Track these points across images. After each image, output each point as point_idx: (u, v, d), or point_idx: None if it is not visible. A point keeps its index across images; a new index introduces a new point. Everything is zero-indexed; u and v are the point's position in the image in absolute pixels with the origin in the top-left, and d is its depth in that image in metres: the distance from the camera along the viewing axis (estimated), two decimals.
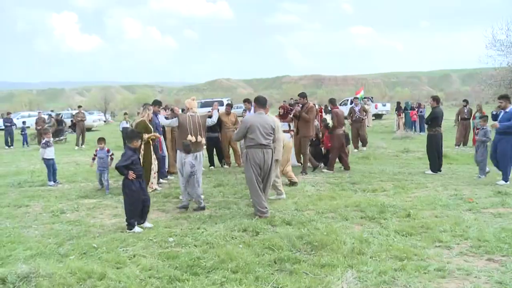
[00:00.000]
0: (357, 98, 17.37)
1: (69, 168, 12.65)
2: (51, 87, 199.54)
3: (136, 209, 6.08)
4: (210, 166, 11.88)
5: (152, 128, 8.64)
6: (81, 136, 20.28)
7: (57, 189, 9.25)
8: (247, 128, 6.58)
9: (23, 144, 21.78)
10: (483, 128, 9.69)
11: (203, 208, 7.07)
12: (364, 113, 16.02)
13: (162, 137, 9.73)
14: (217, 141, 11.79)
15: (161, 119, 8.54)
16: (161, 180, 9.56)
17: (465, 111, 16.80)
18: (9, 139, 21.59)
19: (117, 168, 6.10)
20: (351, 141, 13.00)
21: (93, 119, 32.06)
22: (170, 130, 10.17)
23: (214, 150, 12.02)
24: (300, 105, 10.41)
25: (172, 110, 10.30)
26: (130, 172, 6.01)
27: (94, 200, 8.15)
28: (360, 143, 15.39)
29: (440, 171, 10.22)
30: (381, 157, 13.53)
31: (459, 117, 16.87)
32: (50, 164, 9.81)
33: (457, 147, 16.06)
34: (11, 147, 21.27)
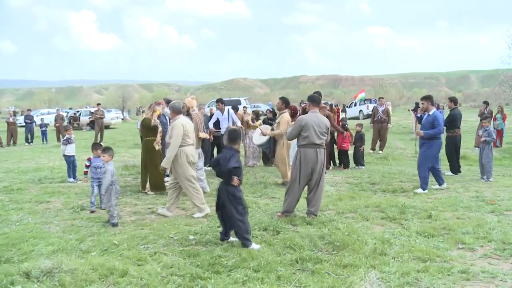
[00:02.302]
0: (383, 98, 17.12)
1: None
2: (69, 85, 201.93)
3: (247, 222, 5.30)
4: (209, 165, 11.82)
5: (158, 127, 8.57)
6: (99, 133, 20.49)
7: (76, 186, 9.32)
8: (302, 127, 6.37)
9: (43, 141, 22.06)
10: (486, 129, 9.51)
11: (114, 225, 6.21)
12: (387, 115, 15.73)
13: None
14: (219, 140, 11.70)
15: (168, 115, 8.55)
16: (165, 179, 9.39)
17: (486, 112, 16.53)
18: (29, 136, 21.90)
19: (221, 171, 5.29)
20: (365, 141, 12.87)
21: (111, 117, 32.34)
22: None
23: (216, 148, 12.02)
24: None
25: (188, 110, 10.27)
26: (235, 178, 5.26)
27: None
28: (378, 145, 15.21)
29: (460, 172, 10.08)
30: (399, 157, 13.39)
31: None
32: (70, 161, 9.90)
33: (476, 148, 15.80)
34: (31, 143, 21.57)
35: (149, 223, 6.33)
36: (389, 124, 15.32)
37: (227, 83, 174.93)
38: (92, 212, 7.09)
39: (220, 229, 5.82)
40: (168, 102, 9.44)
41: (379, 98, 18.21)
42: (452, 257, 4.69)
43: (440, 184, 8.51)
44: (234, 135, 5.42)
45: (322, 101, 11.62)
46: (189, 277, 4.21)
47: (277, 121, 9.26)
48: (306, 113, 10.69)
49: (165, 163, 6.67)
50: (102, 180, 6.61)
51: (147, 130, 8.43)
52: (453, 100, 10.43)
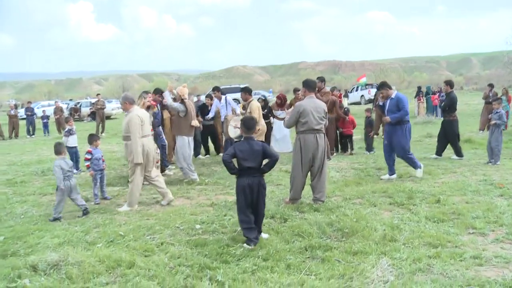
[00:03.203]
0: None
1: None
2: (69, 77, 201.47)
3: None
4: (205, 154, 11.83)
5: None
6: (100, 124, 20.41)
7: (80, 177, 9.26)
8: (300, 113, 6.30)
9: (44, 133, 22.01)
10: (497, 111, 9.36)
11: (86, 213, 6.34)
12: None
13: (160, 127, 9.51)
14: (212, 129, 11.72)
15: (169, 100, 8.56)
16: (166, 172, 9.35)
17: (490, 95, 16.39)
18: (30, 128, 21.86)
19: (273, 162, 4.93)
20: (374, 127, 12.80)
21: (111, 107, 32.24)
22: (169, 119, 9.90)
23: (209, 138, 12.01)
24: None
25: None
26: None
27: (117, 188, 8.15)
28: (381, 129, 15.12)
29: (463, 155, 9.99)
30: None
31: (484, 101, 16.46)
32: (73, 152, 9.83)
33: (481, 131, 15.70)
34: (33, 136, 21.54)
35: (154, 213, 6.27)
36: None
37: (227, 71, 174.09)
38: (97, 204, 7.03)
39: (227, 218, 5.77)
40: (158, 92, 9.35)
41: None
42: (464, 242, 4.62)
43: (390, 175, 8.19)
44: (252, 124, 5.01)
45: (327, 87, 11.52)
46: (197, 267, 4.15)
47: (248, 111, 9.32)
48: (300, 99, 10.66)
49: (136, 158, 6.49)
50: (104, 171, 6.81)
51: None
52: (449, 84, 10.29)
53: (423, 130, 15.61)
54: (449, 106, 10.01)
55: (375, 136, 14.24)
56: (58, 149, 6.39)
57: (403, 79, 68.82)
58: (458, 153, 9.97)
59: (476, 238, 4.76)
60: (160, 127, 9.41)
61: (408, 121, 8.03)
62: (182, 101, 8.40)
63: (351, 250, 4.47)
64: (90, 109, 30.24)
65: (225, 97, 10.97)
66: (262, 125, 9.55)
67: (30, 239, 5.25)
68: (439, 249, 4.42)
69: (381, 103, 9.93)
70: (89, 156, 7.27)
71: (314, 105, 6.38)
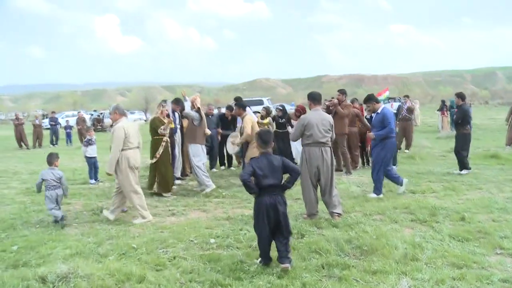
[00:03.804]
0: (407, 96, 16.74)
1: None
2: (94, 88, 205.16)
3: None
4: (221, 166, 11.65)
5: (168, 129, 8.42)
6: None
7: (98, 187, 9.24)
8: (304, 126, 6.21)
9: (67, 143, 22.27)
10: None
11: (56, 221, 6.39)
12: (411, 113, 15.31)
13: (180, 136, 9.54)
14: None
15: (186, 107, 8.75)
16: (178, 182, 9.33)
17: None
18: (54, 138, 22.15)
19: (295, 177, 4.64)
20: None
21: (133, 118, 32.60)
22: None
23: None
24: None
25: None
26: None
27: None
28: (404, 144, 14.79)
29: (470, 168, 9.74)
30: (427, 157, 12.96)
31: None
32: (91, 163, 9.84)
33: (508, 147, 15.24)
34: (56, 145, 21.81)
35: (169, 226, 6.16)
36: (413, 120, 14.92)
37: (250, 83, 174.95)
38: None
39: (243, 232, 5.61)
40: (177, 102, 9.36)
41: (404, 96, 17.83)
42: (491, 264, 4.37)
43: (400, 185, 7.86)
44: (268, 137, 4.62)
45: (348, 99, 11.31)
46: (209, 283, 4.01)
47: (242, 125, 8.92)
48: (330, 111, 10.53)
49: (108, 168, 6.45)
50: None
51: (156, 129, 8.23)
52: (461, 96, 10.01)
53: (447, 145, 15.20)
54: (461, 119, 9.74)
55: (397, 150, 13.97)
56: (49, 159, 6.71)
57: (426, 93, 67.98)
58: (463, 166, 9.73)
59: (504, 259, 4.50)
60: (180, 136, 9.42)
61: (393, 137, 7.72)
62: (198, 110, 8.61)
63: (370, 269, 4.27)
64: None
65: None
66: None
67: (43, 249, 5.20)
68: (464, 270, 4.18)
69: (368, 117, 9.73)
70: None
71: (319, 117, 6.28)
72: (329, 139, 6.32)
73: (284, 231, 4.42)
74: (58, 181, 6.54)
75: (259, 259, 4.52)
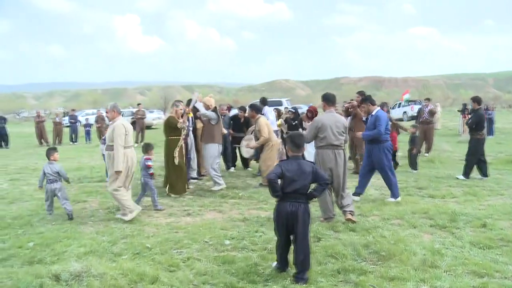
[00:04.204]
0: (429, 99, 16.49)
1: None
2: (114, 87, 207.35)
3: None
4: (231, 167, 11.43)
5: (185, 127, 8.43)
6: (140, 133, 20.61)
7: None
8: (318, 128, 6.14)
9: (86, 140, 22.49)
10: None
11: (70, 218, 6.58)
12: (432, 116, 15.03)
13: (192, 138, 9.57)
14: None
15: (202, 109, 8.64)
16: (194, 181, 9.38)
17: None
18: (73, 136, 22.39)
19: (324, 186, 4.41)
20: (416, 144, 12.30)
21: (152, 117, 32.71)
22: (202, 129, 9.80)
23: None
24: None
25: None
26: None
27: (150, 198, 8.03)
28: (424, 148, 14.52)
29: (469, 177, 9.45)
30: (447, 161, 12.72)
31: None
32: None
33: None
34: (75, 143, 22.03)
35: (184, 226, 6.10)
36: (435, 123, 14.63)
37: (269, 84, 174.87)
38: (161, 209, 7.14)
39: (258, 234, 5.54)
40: (189, 103, 9.32)
41: (425, 98, 17.56)
42: None
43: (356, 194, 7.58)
44: (301, 141, 4.38)
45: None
46: (222, 286, 3.95)
47: (256, 129, 8.93)
48: (350, 113, 10.41)
49: (117, 167, 6.37)
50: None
51: (170, 128, 8.21)
52: (477, 100, 9.75)
53: None
54: (476, 124, 9.49)
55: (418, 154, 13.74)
56: (47, 154, 6.93)
57: (447, 96, 66.98)
58: (464, 172, 9.50)
59: None
60: (193, 138, 9.39)
61: (387, 140, 7.50)
62: (215, 109, 8.66)
63: (387, 276, 4.15)
64: (132, 118, 30.79)
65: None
66: (274, 140, 9.04)
67: (58, 246, 5.21)
68: (486, 280, 4.04)
69: (364, 119, 9.60)
70: (151, 163, 7.23)
71: (333, 119, 6.21)
72: (343, 142, 6.25)
73: (302, 246, 4.14)
74: (56, 175, 6.70)
75: (275, 263, 4.42)
